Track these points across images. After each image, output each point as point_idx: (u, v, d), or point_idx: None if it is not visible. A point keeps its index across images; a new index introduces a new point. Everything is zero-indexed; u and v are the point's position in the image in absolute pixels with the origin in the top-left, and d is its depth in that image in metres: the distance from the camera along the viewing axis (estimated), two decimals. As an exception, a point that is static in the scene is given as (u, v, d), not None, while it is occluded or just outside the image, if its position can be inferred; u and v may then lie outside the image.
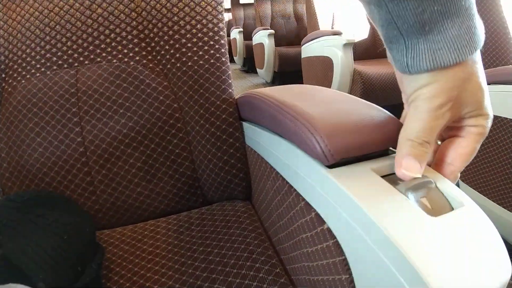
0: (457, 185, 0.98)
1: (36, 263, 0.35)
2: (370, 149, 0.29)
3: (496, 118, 0.74)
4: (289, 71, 2.65)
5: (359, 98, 0.37)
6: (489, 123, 0.27)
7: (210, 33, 0.54)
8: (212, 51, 0.54)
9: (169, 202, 0.56)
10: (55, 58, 0.54)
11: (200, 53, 0.53)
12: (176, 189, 0.56)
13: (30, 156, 0.51)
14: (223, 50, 0.54)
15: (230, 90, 0.54)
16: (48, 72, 0.53)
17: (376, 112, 0.32)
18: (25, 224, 0.41)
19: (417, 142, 0.26)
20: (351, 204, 0.25)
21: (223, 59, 0.54)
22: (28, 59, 0.54)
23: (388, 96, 1.52)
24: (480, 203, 0.85)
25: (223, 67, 0.54)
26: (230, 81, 0.54)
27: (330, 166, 0.29)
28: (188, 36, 0.54)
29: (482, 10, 1.07)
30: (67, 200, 0.48)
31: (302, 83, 2.13)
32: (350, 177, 0.27)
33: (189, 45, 0.53)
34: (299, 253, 0.37)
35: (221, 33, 0.54)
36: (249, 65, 3.71)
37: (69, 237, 0.40)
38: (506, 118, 0.72)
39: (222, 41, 0.54)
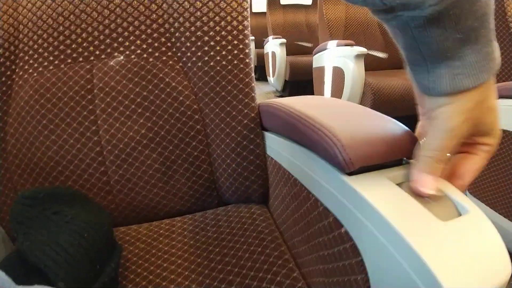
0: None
1: (56, 262, 0.36)
2: (386, 158, 0.34)
3: (504, 132, 0.80)
4: (300, 80, 2.77)
5: (374, 111, 0.42)
6: (497, 141, 0.31)
7: (235, 32, 0.55)
8: (236, 51, 0.54)
9: (185, 203, 0.57)
10: (69, 51, 0.57)
11: (223, 52, 0.54)
12: (193, 191, 0.57)
13: (44, 154, 0.53)
14: (247, 51, 0.55)
15: (253, 94, 0.55)
16: (62, 66, 0.57)
17: (391, 124, 0.38)
18: (41, 221, 0.43)
19: (434, 159, 0.30)
20: (369, 209, 0.29)
21: (247, 60, 0.55)
22: (40, 50, 0.56)
23: (397, 108, 1.62)
24: (487, 216, 0.88)
25: (247, 69, 0.55)
26: (253, 84, 0.55)
27: (349, 174, 0.33)
28: (211, 33, 0.57)
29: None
30: (84, 196, 0.50)
31: (313, 93, 2.14)
32: (368, 184, 0.31)
33: (212, 43, 0.55)
34: (315, 256, 0.42)
35: (246, 31, 0.57)
36: (260, 73, 3.84)
37: (89, 235, 0.41)
38: (514, 132, 0.78)
39: (247, 41, 0.55)
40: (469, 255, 0.24)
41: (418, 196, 0.29)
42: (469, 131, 0.29)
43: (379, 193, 0.30)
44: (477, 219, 0.27)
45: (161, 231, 0.55)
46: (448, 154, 0.30)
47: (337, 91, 1.77)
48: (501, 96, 0.78)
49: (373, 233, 0.28)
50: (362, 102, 1.68)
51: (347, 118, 0.40)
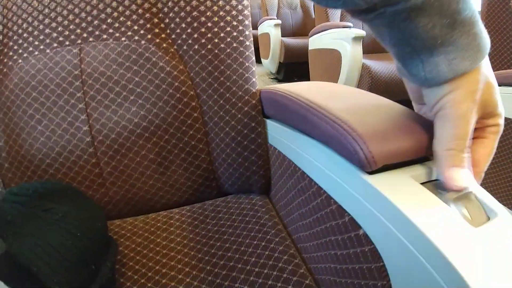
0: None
1: (49, 264, 0.34)
2: (411, 155, 0.31)
3: (505, 120, 0.76)
4: (295, 62, 2.68)
5: (391, 101, 0.39)
6: (503, 120, 0.30)
7: (234, 12, 0.51)
8: (235, 33, 0.50)
9: (183, 194, 0.55)
10: (55, 34, 0.52)
11: (222, 34, 0.50)
12: (191, 182, 0.54)
13: (31, 146, 0.50)
14: (247, 33, 0.51)
15: (254, 80, 0.52)
16: (48, 51, 0.52)
17: (413, 116, 0.34)
18: (32, 220, 0.39)
19: (457, 150, 0.28)
20: (394, 212, 0.26)
21: (247, 43, 0.51)
22: (25, 35, 0.52)
23: (395, 92, 1.59)
24: None
25: (247, 52, 0.51)
26: (254, 68, 0.52)
27: (370, 172, 0.30)
28: (208, 13, 0.52)
29: (493, 11, 1.07)
30: (75, 190, 0.47)
31: (308, 75, 2.10)
32: (391, 184, 0.29)
33: (209, 24, 0.50)
34: (325, 254, 0.39)
35: (245, 12, 0.52)
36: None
37: (82, 233, 0.38)
38: (514, 119, 0.77)
39: (247, 22, 0.51)
40: (504, 265, 0.22)
41: (454, 191, 0.27)
42: (479, 113, 0.28)
43: (404, 195, 0.27)
44: (507, 223, 0.25)
45: (158, 224, 0.51)
46: (468, 141, 0.28)
47: (334, 74, 1.74)
48: (500, 84, 0.76)
49: (398, 238, 0.26)
50: (359, 85, 1.64)
51: (364, 109, 0.36)
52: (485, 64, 0.28)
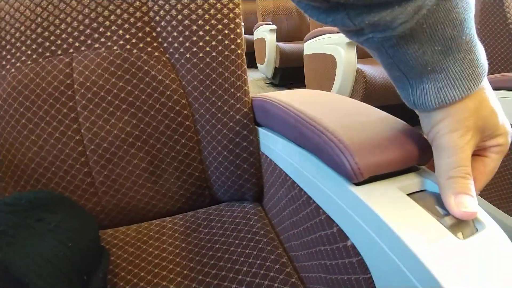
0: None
1: (40, 275, 0.34)
2: (398, 166, 0.31)
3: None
4: (291, 67, 2.71)
5: (380, 110, 0.39)
6: (509, 139, 0.29)
7: (225, 20, 0.51)
8: (226, 42, 0.50)
9: (175, 203, 0.55)
10: (47, 43, 0.52)
11: (213, 43, 0.50)
12: (183, 190, 0.54)
13: (24, 155, 0.50)
14: (238, 41, 0.51)
15: (246, 88, 0.52)
16: (40, 60, 0.52)
17: (401, 127, 0.34)
18: (24, 230, 0.39)
19: (459, 177, 0.27)
20: (379, 224, 0.26)
21: (239, 51, 0.51)
22: (17, 44, 0.52)
23: (390, 96, 1.60)
24: (482, 207, 0.91)
25: (239, 61, 0.51)
26: (245, 77, 0.52)
27: (357, 183, 0.30)
28: (200, 22, 0.52)
29: (487, 15, 1.07)
30: (68, 200, 0.47)
31: (304, 80, 2.11)
32: (378, 196, 0.29)
33: (200, 33, 0.51)
34: (315, 263, 0.39)
35: (237, 20, 0.53)
36: (249, 60, 3.73)
37: (74, 244, 0.38)
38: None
39: (238, 30, 0.51)
40: (488, 277, 0.21)
41: (464, 218, 0.26)
42: (477, 138, 0.27)
43: (390, 207, 0.26)
44: (495, 235, 0.25)
45: (150, 233, 0.51)
46: (469, 166, 0.27)
47: (329, 79, 1.74)
48: (496, 88, 0.75)
49: (384, 250, 0.26)
50: (353, 90, 1.64)
51: (353, 120, 0.36)
52: (481, 89, 0.27)
